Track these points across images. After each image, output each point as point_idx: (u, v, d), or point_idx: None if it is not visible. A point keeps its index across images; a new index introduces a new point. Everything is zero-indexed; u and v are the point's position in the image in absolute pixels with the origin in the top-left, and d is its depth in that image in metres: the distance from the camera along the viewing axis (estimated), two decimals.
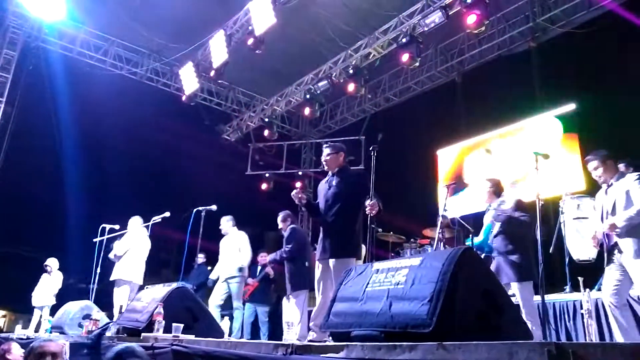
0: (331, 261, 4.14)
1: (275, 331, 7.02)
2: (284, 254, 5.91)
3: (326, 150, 4.43)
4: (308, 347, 2.56)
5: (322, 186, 4.45)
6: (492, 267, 4.40)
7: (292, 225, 6.15)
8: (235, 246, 6.82)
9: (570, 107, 7.82)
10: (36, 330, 7.94)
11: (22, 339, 6.40)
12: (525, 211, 4.48)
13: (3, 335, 7.14)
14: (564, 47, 8.18)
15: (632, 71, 7.08)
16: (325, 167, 4.41)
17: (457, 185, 6.46)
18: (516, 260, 4.32)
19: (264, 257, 7.55)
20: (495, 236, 4.52)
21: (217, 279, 6.91)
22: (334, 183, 4.33)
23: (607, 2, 7.55)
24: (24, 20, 9.41)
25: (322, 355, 2.37)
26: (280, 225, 6.19)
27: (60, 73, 10.00)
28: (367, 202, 3.95)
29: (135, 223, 7.10)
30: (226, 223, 6.97)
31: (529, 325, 3.57)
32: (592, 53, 7.78)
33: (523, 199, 4.63)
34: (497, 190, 4.80)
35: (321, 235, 4.28)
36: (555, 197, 5.75)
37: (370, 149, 4.33)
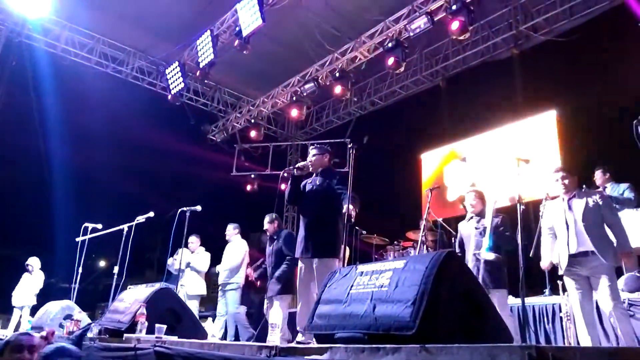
0: (314, 261, 4.16)
1: (258, 333, 7.01)
2: (288, 263, 5.63)
3: (312, 151, 4.51)
4: (292, 349, 2.58)
5: (307, 186, 4.48)
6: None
7: (286, 230, 6.06)
8: (235, 254, 6.84)
9: (552, 113, 7.97)
10: (16, 331, 7.82)
11: (1, 339, 6.31)
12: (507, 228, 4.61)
13: None
14: (546, 54, 8.34)
15: (612, 79, 7.25)
16: (311, 168, 4.44)
17: (440, 189, 6.54)
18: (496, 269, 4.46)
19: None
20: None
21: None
22: (317, 183, 4.39)
23: (577, 17, 7.72)
24: (7, 15, 9.25)
25: (305, 357, 2.39)
26: (267, 227, 6.11)
27: (45, 70, 9.84)
28: (346, 208, 3.97)
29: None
30: (232, 230, 6.99)
31: None
32: (573, 61, 7.94)
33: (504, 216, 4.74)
34: (480, 200, 4.87)
35: (303, 233, 4.28)
36: (536, 201, 5.85)
37: (350, 146, 4.37)
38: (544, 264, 4.32)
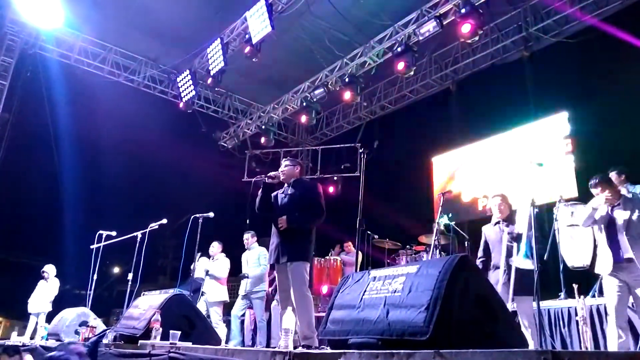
0: (289, 264, 4.27)
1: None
2: None
3: (285, 162, 4.69)
4: (305, 354, 2.59)
5: (278, 196, 4.63)
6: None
7: None
8: (256, 261, 6.88)
9: (563, 115, 7.91)
10: (32, 337, 7.91)
11: (16, 345, 6.39)
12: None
13: None
14: (557, 56, 8.27)
15: (623, 79, 7.18)
16: (282, 177, 4.60)
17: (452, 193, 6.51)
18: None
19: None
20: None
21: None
22: (289, 192, 4.55)
23: (588, 18, 7.69)
24: (22, 27, 9.41)
25: None
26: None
27: (58, 80, 10.00)
28: (280, 219, 4.32)
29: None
30: (250, 238, 7.04)
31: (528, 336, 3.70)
32: (584, 62, 7.87)
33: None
34: (507, 205, 4.82)
35: (276, 241, 4.42)
36: (549, 204, 5.81)
37: (361, 151, 4.49)
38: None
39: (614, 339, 3.86)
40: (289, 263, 4.26)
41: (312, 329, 4.04)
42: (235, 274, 7.30)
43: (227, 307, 7.37)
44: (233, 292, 7.92)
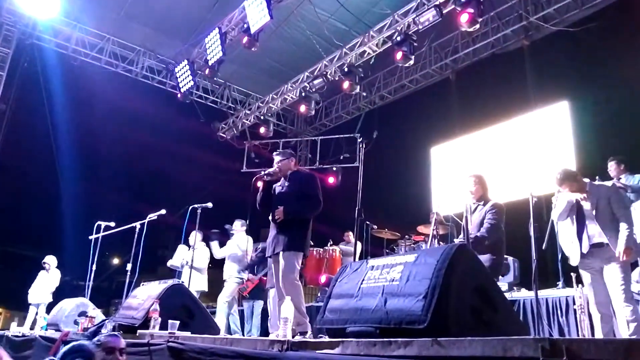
0: (281, 254, 4.29)
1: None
2: None
3: (277, 157, 4.66)
4: (304, 343, 2.60)
5: (276, 189, 4.64)
6: None
7: None
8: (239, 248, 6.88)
9: (563, 104, 7.87)
10: (31, 328, 7.94)
11: (17, 336, 6.42)
12: (497, 215, 4.55)
13: None
14: (557, 45, 8.23)
15: (624, 69, 7.14)
16: (279, 172, 4.59)
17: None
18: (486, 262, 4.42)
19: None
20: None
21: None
22: (286, 184, 4.56)
23: None
24: (19, 17, 9.36)
25: (317, 351, 2.41)
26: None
27: (55, 70, 9.97)
28: (277, 210, 4.33)
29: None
30: (239, 227, 7.00)
31: None
32: (584, 51, 7.83)
33: (498, 202, 4.66)
34: (483, 186, 4.79)
35: (273, 233, 4.44)
36: (548, 194, 5.79)
37: (360, 141, 4.59)
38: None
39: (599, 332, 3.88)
40: (282, 252, 4.27)
41: (304, 314, 4.07)
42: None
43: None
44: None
